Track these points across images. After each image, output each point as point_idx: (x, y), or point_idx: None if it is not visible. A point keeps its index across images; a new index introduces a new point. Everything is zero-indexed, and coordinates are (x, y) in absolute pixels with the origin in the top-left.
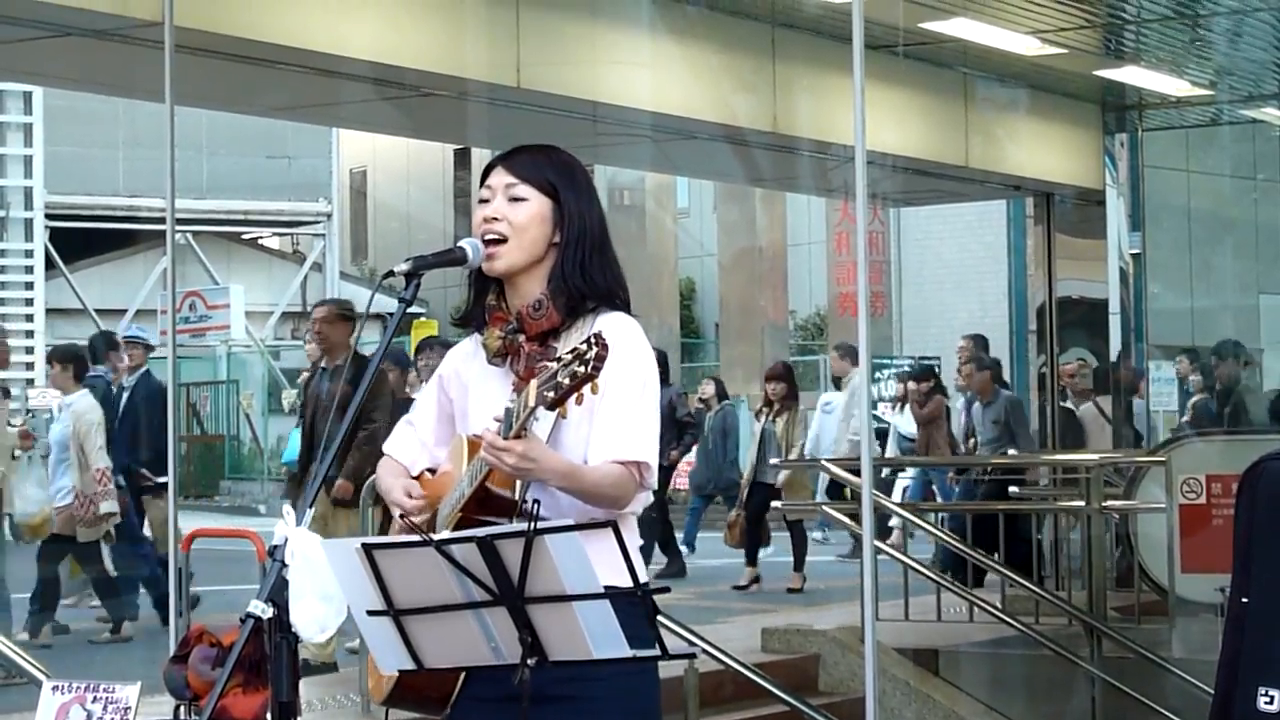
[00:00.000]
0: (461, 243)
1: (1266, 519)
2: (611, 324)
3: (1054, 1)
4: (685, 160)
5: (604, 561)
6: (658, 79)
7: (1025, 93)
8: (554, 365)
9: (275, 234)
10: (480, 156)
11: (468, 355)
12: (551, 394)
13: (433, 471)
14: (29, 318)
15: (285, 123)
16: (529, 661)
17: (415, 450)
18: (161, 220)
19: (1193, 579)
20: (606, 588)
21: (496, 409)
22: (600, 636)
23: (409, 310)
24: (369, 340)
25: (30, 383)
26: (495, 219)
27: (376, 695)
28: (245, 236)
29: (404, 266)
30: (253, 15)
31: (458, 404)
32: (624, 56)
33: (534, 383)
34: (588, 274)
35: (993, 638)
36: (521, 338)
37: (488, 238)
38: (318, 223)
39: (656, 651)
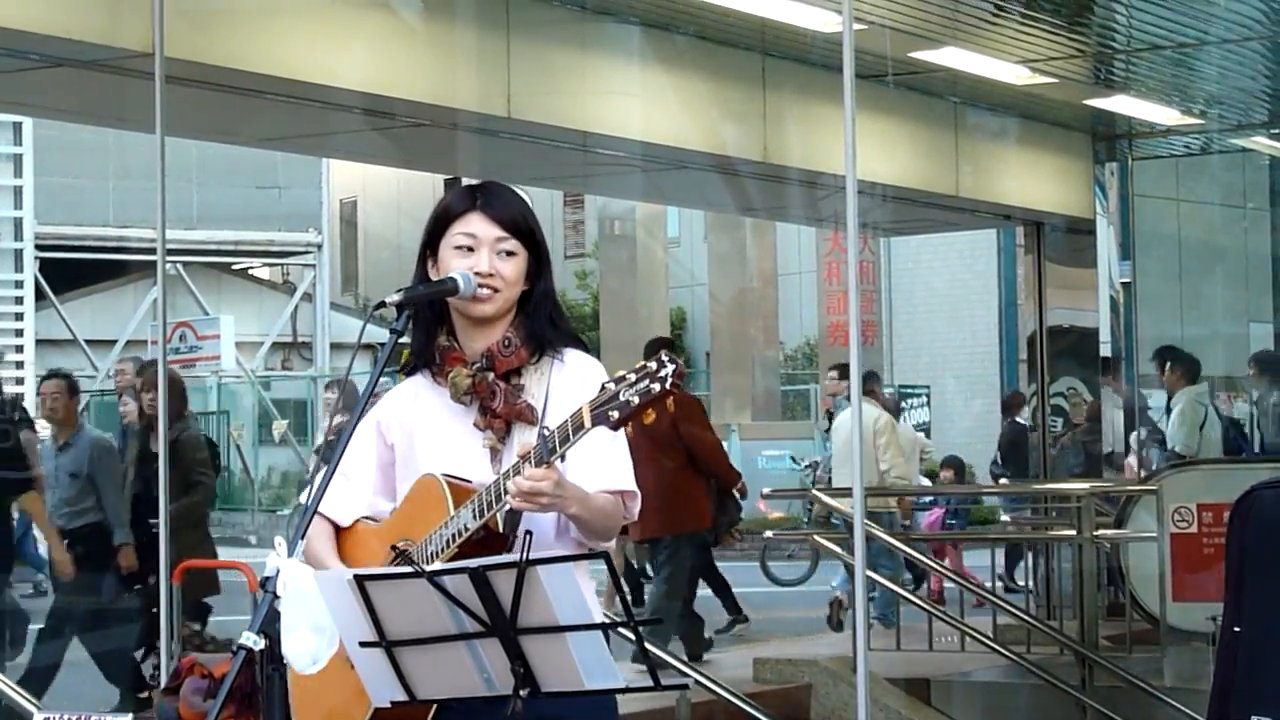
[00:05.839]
0: (453, 273)
1: (1258, 548)
2: (581, 362)
3: (1044, 31)
4: (676, 190)
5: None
6: (648, 109)
7: (1015, 122)
8: (612, 387)
9: (266, 264)
10: None
11: (409, 398)
12: (616, 414)
13: (373, 520)
14: (19, 348)
15: (275, 153)
16: (521, 692)
17: (348, 501)
18: (152, 251)
19: (1184, 608)
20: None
21: (459, 447)
22: (593, 667)
23: (400, 341)
24: (360, 371)
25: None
26: (490, 275)
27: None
28: (235, 267)
29: (395, 297)
30: (243, 46)
31: (400, 449)
32: (614, 86)
33: (585, 405)
34: (555, 321)
35: (984, 667)
36: (491, 375)
37: (482, 292)
38: (308, 253)
39: (649, 682)
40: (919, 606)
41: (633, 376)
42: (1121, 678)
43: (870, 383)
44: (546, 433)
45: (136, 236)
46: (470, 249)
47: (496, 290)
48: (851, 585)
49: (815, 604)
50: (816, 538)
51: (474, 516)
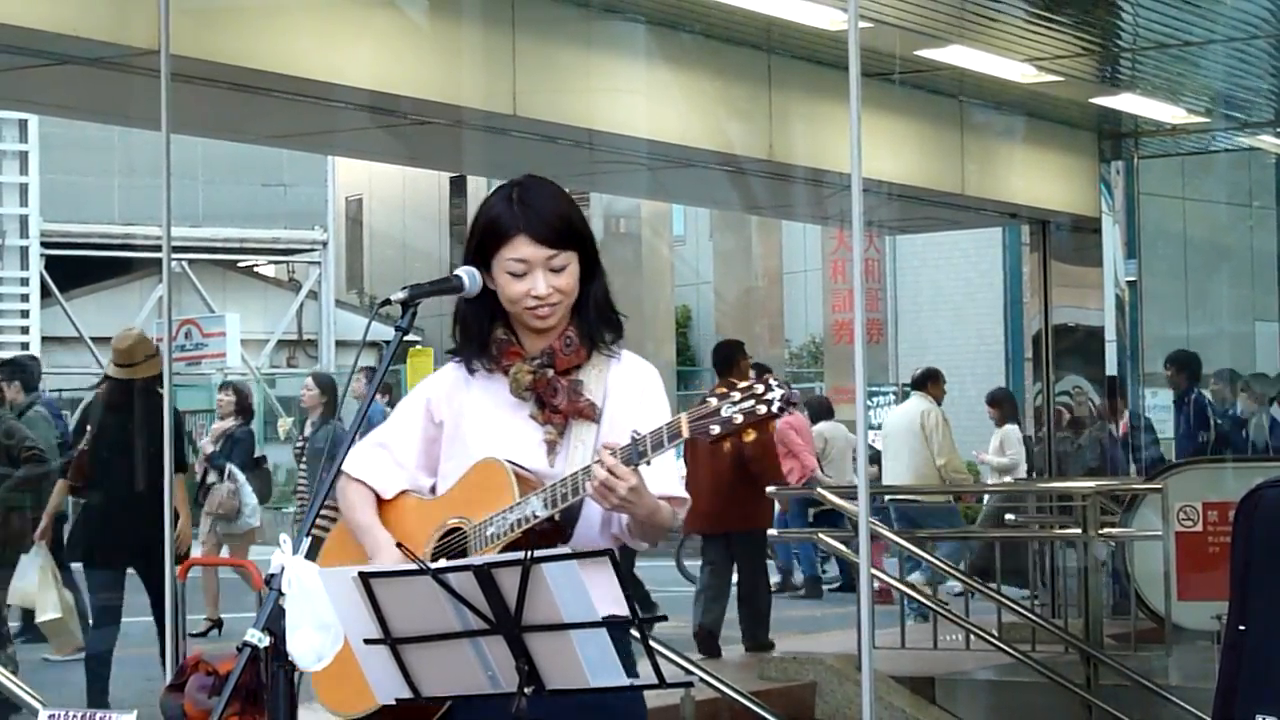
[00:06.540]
0: (458, 271)
1: (1264, 546)
2: (637, 364)
3: (1050, 29)
4: (681, 188)
5: (606, 590)
6: (653, 107)
7: (1021, 120)
8: (714, 401)
9: (271, 262)
10: (476, 185)
11: (459, 381)
12: (717, 429)
13: (417, 494)
14: (25, 345)
15: (281, 151)
16: (525, 690)
17: (392, 472)
18: (157, 248)
19: (1189, 606)
20: (605, 617)
21: (515, 438)
22: (597, 665)
23: (405, 339)
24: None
25: None
26: (548, 294)
27: (347, 709)
28: (241, 264)
29: (400, 295)
30: (249, 43)
31: (448, 428)
32: (620, 84)
33: (684, 416)
34: (610, 314)
35: (989, 665)
36: (551, 372)
37: (541, 311)
38: (313, 250)
39: (654, 680)
40: (927, 605)
41: (737, 395)
42: (1126, 676)
43: (930, 379)
44: (637, 436)
45: (142, 234)
46: (523, 274)
47: (555, 304)
48: (856, 585)
49: (821, 603)
50: (822, 535)
51: (544, 506)
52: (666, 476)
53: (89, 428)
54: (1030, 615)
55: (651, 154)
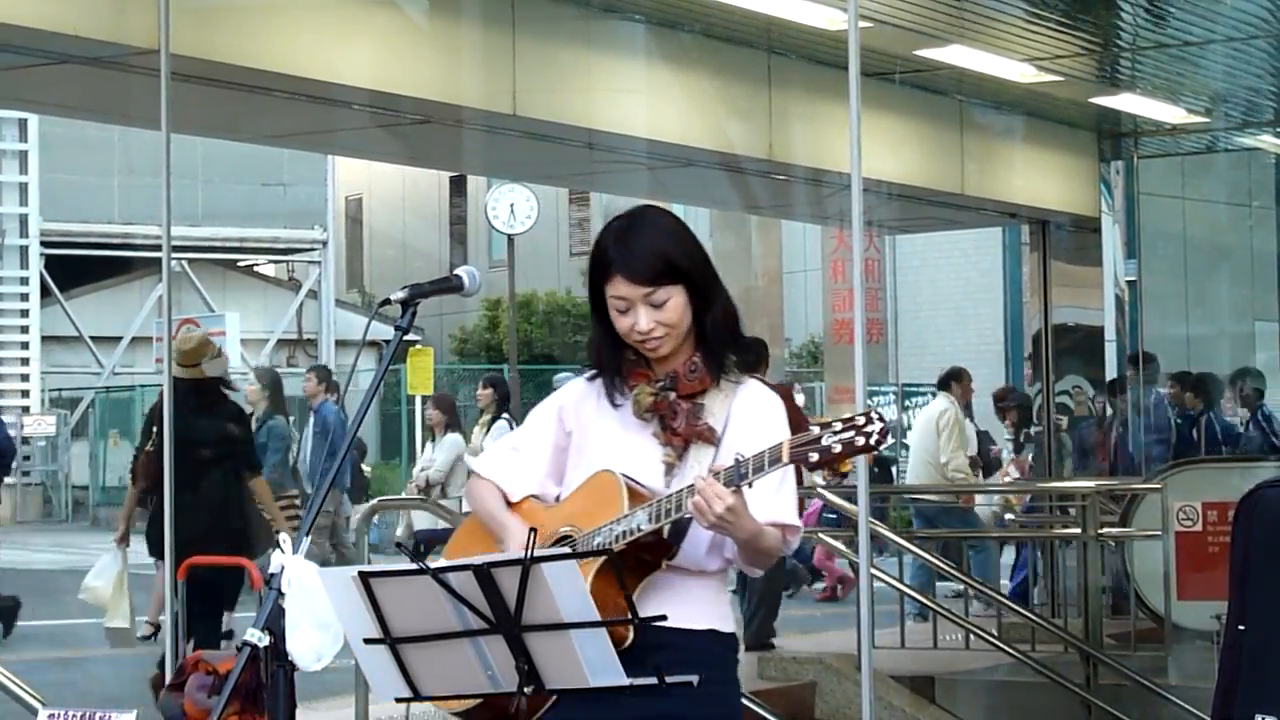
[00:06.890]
0: (458, 270)
1: (1263, 546)
2: (761, 392)
3: (1050, 29)
4: (681, 188)
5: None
6: (653, 106)
7: (1021, 120)
8: (816, 430)
9: (271, 261)
10: (476, 184)
11: (592, 396)
12: (816, 457)
13: (539, 500)
14: (24, 345)
15: (281, 150)
16: (525, 690)
17: (521, 476)
18: (157, 248)
19: (1189, 606)
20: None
21: (636, 455)
22: (597, 665)
23: (405, 338)
24: (365, 368)
25: (26, 410)
26: (651, 330)
27: (450, 704)
28: (241, 264)
29: (400, 294)
30: (249, 43)
31: (576, 438)
32: (620, 84)
33: (786, 442)
34: (733, 341)
35: (989, 665)
36: (673, 395)
37: (649, 344)
38: (313, 250)
39: (653, 680)
40: (923, 604)
41: (839, 425)
42: (1126, 676)
43: (953, 379)
44: (741, 458)
45: (142, 233)
46: (626, 310)
47: (660, 337)
48: (857, 583)
49: (821, 603)
50: (821, 535)
51: (649, 520)
52: (780, 503)
53: (155, 429)
54: (1030, 615)
55: (651, 154)
